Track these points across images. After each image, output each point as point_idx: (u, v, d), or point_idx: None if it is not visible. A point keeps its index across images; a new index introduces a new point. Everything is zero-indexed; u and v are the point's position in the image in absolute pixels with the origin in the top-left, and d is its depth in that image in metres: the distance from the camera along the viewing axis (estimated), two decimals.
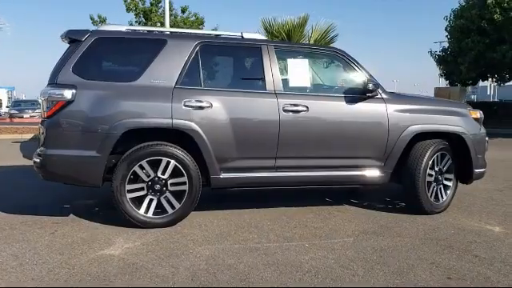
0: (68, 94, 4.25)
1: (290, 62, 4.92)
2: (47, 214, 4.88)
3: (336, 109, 4.91)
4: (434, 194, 5.18)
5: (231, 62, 4.97)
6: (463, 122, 5.28)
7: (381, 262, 3.70)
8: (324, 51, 5.12)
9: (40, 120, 4.60)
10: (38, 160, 4.33)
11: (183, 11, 26.86)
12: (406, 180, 5.10)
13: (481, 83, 29.82)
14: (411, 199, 5.15)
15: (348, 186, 5.25)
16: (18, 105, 32.92)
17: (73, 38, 4.46)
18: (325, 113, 4.86)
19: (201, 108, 4.51)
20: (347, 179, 5.04)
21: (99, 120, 4.30)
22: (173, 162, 4.46)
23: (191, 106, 4.48)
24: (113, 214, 4.60)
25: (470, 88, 31.42)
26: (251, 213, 5.12)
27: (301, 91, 4.91)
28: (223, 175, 4.66)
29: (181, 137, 4.53)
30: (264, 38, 4.95)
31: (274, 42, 4.88)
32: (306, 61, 4.98)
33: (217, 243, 4.12)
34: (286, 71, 4.88)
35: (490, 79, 22.58)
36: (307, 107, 4.76)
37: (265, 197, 5.81)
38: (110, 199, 4.42)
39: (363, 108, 4.96)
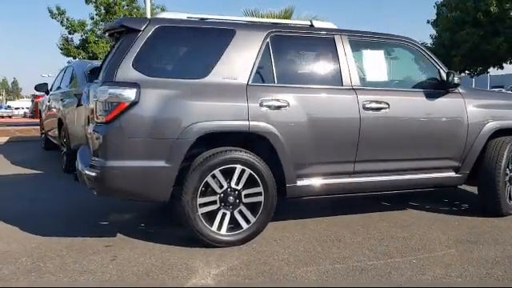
0: (131, 94, 3.56)
1: (366, 53, 4.42)
2: (87, 235, 4.14)
3: (417, 105, 4.46)
4: (509, 194, 4.83)
5: (303, 55, 4.40)
6: None
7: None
8: (396, 41, 4.64)
9: (89, 125, 3.88)
10: (94, 173, 3.61)
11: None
12: (484, 181, 4.73)
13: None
14: (488, 200, 4.79)
15: (421, 189, 4.79)
16: None
17: (129, 27, 3.76)
18: (406, 110, 4.40)
19: (278, 108, 3.93)
20: (426, 182, 4.62)
21: (168, 124, 3.64)
22: (248, 170, 3.86)
23: (268, 106, 3.90)
24: (164, 231, 4.08)
25: None
26: (316, 223, 4.59)
27: (379, 86, 4.43)
28: (299, 183, 4.11)
29: (252, 141, 3.94)
30: (335, 26, 4.41)
31: (347, 30, 4.33)
32: (382, 52, 4.49)
33: (313, 263, 3.57)
34: (361, 63, 4.37)
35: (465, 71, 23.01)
36: (388, 104, 4.28)
37: (316, 204, 5.27)
38: (147, 211, 3.77)
39: (443, 104, 4.54)
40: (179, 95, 3.68)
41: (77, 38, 25.68)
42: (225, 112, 3.78)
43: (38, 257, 3.66)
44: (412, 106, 4.44)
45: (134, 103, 3.57)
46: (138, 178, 3.64)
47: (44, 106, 9.41)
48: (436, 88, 4.55)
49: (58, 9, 24.39)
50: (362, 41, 4.46)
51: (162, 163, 3.63)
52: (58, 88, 8.31)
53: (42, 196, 5.70)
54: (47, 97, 8.98)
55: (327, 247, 3.93)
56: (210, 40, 3.98)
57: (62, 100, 7.28)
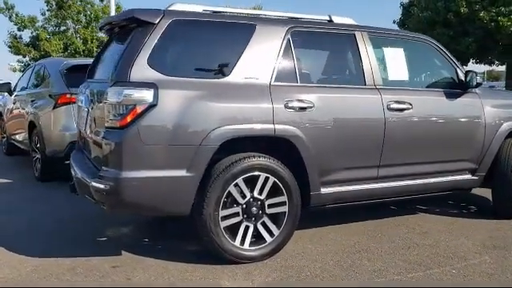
0: (149, 95, 3.15)
1: (387, 51, 4.18)
2: (88, 254, 3.67)
3: (438, 106, 4.27)
4: None
5: (324, 52, 4.10)
6: None
7: None
8: (415, 39, 4.44)
9: (93, 130, 3.43)
10: (105, 186, 3.16)
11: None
12: (500, 182, 4.60)
13: None
14: (503, 203, 4.66)
15: (437, 193, 4.60)
16: None
17: (142, 19, 3.33)
18: (428, 110, 4.20)
19: (303, 109, 3.62)
20: (445, 186, 4.44)
21: (189, 129, 3.25)
22: (272, 177, 3.53)
23: (293, 108, 3.58)
24: (173, 247, 3.77)
25: None
26: (333, 232, 4.30)
27: (401, 85, 4.20)
28: (323, 190, 3.81)
29: (274, 145, 3.61)
30: (354, 22, 4.14)
31: (366, 27, 4.08)
32: (401, 50, 4.26)
33: (350, 277, 3.31)
34: (382, 62, 4.13)
35: None
36: (411, 104, 4.06)
37: (322, 210, 5.00)
38: (144, 222, 3.41)
39: (463, 104, 4.38)
40: (200, 97, 3.30)
41: (26, 35, 24.42)
42: (249, 115, 3.43)
43: (39, 283, 3.18)
44: (433, 106, 4.25)
45: (151, 106, 3.15)
46: (156, 190, 3.23)
47: (7, 108, 8.65)
48: (455, 88, 4.39)
49: (5, 3, 23.05)
50: (381, 38, 4.21)
51: (183, 172, 3.24)
52: (24, 88, 7.63)
53: (21, 208, 5.11)
54: (11, 98, 8.25)
55: (357, 259, 3.66)
56: (229, 36, 3.61)
57: (32, 101, 6.65)
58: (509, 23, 16.89)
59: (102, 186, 3.18)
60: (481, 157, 4.48)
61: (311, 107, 3.64)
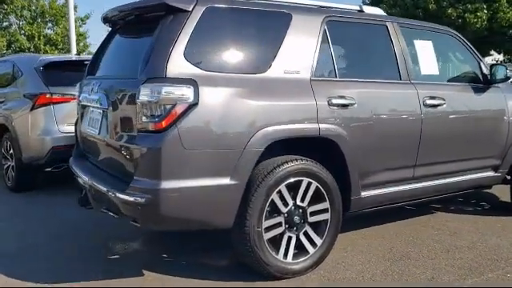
0: (190, 93, 2.75)
1: (417, 43, 3.95)
2: (102, 276, 3.22)
3: (467, 101, 4.11)
4: None
5: (357, 44, 3.79)
6: None
7: None
8: (440, 31, 4.24)
9: (122, 136, 2.96)
10: (140, 199, 2.72)
11: None
12: None
13: None
14: None
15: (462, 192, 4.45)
16: None
17: (175, 6, 2.90)
18: (459, 106, 4.04)
19: (345, 106, 3.33)
20: (471, 184, 4.29)
21: (233, 131, 2.87)
22: (314, 182, 3.22)
23: (336, 105, 3.28)
24: (198, 261, 3.46)
25: None
26: (361, 236, 4.04)
27: (433, 80, 4.00)
28: (363, 194, 3.54)
29: (314, 147, 3.30)
30: (383, 12, 3.89)
31: (395, 18, 3.85)
32: (430, 42, 4.05)
33: None
34: (414, 55, 3.91)
35: None
36: (444, 100, 3.87)
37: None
38: (148, 233, 3.02)
39: (489, 99, 4.26)
40: (242, 94, 2.92)
41: None
42: (294, 114, 3.10)
43: None
44: (463, 101, 4.08)
45: (192, 105, 2.75)
46: (198, 202, 2.82)
47: None
48: (479, 82, 4.25)
49: None
50: (411, 29, 3.98)
51: (226, 180, 2.85)
52: None
53: (2, 226, 4.50)
54: None
55: (404, 267, 3.41)
56: (266, 26, 3.25)
57: (2, 103, 5.96)
58: (475, 20, 17.46)
59: (135, 199, 2.73)
60: (504, 153, 4.37)
61: (353, 104, 3.35)
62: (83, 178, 3.35)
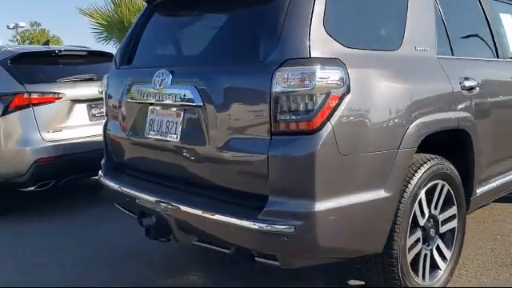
0: (343, 78, 2.02)
1: (504, 17, 3.49)
2: None
3: None
4: None
5: (457, 15, 3.21)
6: None
7: None
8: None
9: (236, 140, 2.15)
10: (288, 227, 1.95)
11: None
12: None
13: None
14: None
15: None
16: None
17: None
18: None
19: (471, 90, 2.77)
20: None
21: (386, 126, 2.19)
22: (447, 185, 2.65)
23: (466, 89, 2.72)
24: None
25: None
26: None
27: None
28: (478, 191, 3.03)
29: (441, 140, 2.72)
30: None
31: None
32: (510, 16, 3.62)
33: None
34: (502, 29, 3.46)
35: None
36: None
37: None
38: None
39: None
40: (387, 77, 2.25)
41: None
42: (438, 101, 2.51)
43: None
44: None
45: (345, 94, 2.03)
46: (357, 224, 2.12)
47: None
48: None
49: None
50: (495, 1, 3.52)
51: (381, 193, 2.17)
52: None
53: None
54: None
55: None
56: None
57: None
58: None
59: (278, 228, 1.96)
60: None
61: (477, 87, 2.82)
62: (151, 201, 2.48)
